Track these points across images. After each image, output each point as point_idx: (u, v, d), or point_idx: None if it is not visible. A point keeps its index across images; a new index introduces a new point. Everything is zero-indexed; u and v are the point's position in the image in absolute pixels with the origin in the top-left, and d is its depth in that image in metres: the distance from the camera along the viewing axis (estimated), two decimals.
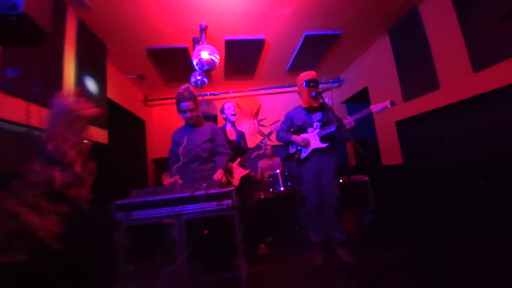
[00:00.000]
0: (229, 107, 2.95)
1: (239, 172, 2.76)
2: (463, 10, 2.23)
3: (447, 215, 2.52)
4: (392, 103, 2.07)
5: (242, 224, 2.70)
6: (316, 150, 2.34)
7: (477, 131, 2.26)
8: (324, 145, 2.31)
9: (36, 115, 1.71)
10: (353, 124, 2.13)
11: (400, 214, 3.17)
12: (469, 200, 2.31)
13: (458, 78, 2.35)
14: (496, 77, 2.02)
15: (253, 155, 2.93)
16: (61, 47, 2.09)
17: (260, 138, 4.72)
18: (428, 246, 2.28)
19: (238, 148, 2.89)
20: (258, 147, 2.89)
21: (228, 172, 2.69)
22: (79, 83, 2.29)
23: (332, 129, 2.24)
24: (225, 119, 3.02)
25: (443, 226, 2.51)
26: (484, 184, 2.21)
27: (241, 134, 3.04)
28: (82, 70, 2.34)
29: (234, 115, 2.94)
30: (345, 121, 2.13)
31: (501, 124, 2.05)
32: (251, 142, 4.23)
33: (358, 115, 2.17)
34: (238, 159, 2.80)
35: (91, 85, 2.50)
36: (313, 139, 2.35)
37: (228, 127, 2.97)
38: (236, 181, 2.70)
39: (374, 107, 2.14)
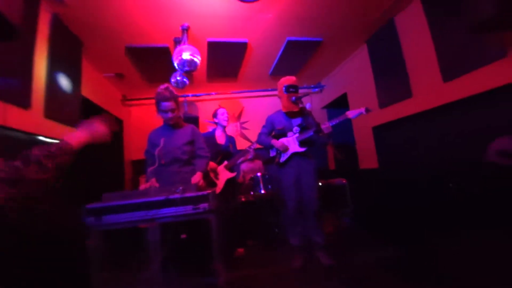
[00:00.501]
0: (223, 113, 3.05)
1: (225, 175, 2.78)
2: (435, 23, 2.36)
3: (421, 217, 2.64)
4: (367, 110, 2.15)
5: (225, 227, 2.70)
6: (295, 154, 2.37)
7: (447, 137, 2.39)
8: (303, 149, 2.35)
9: (0, 112, 1.60)
10: (331, 129, 2.19)
11: (377, 217, 3.28)
12: (441, 203, 2.43)
13: (429, 87, 2.49)
14: (464, 87, 2.15)
15: (239, 160, 2.95)
16: (32, 42, 1.98)
17: (242, 140, 4.74)
18: (405, 248, 2.36)
19: (227, 152, 2.92)
20: (246, 151, 2.93)
21: (214, 173, 2.69)
22: (51, 79, 2.18)
23: (311, 134, 2.28)
24: (216, 123, 3.08)
25: (418, 229, 2.62)
26: (452, 187, 2.33)
27: (230, 139, 3.11)
28: (54, 66, 2.22)
29: (226, 120, 3.05)
30: (323, 126, 2.18)
31: (469, 131, 2.18)
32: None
33: (334, 121, 2.23)
34: (225, 162, 2.82)
35: (64, 82, 2.38)
36: (292, 143, 2.38)
37: (218, 132, 3.04)
38: (221, 183, 2.72)
39: (350, 113, 2.21)
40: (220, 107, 3.15)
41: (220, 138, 3.01)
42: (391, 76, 2.97)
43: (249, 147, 2.93)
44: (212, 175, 2.70)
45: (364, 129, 3.58)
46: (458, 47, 2.17)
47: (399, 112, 2.89)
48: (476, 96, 2.07)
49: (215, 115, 3.09)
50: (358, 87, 3.72)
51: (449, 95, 2.29)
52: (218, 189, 2.67)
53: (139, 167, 4.21)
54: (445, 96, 2.33)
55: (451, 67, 2.25)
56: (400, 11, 2.73)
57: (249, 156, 3.03)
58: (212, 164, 2.72)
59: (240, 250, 2.75)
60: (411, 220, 2.76)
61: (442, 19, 2.29)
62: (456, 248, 2.13)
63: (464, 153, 2.23)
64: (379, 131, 3.33)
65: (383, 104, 3.13)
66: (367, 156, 3.58)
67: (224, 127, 3.07)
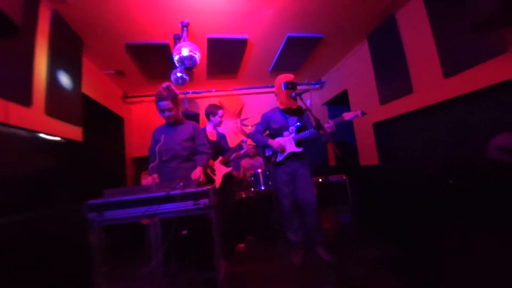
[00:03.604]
0: (220, 114, 2.96)
1: (221, 170, 2.80)
2: (436, 19, 2.35)
3: (422, 213, 2.65)
4: (363, 113, 2.17)
5: (222, 222, 2.73)
6: (291, 154, 2.38)
7: (448, 133, 2.39)
8: (299, 149, 2.36)
9: (2, 110, 1.61)
10: (334, 128, 2.18)
11: (377, 213, 3.29)
12: (441, 199, 2.43)
13: (430, 83, 2.48)
14: (465, 83, 2.15)
15: (233, 155, 2.97)
16: (32, 39, 1.98)
17: (243, 137, 4.74)
18: (404, 245, 2.37)
19: (219, 147, 2.92)
20: (239, 147, 2.94)
21: (211, 169, 2.71)
22: (52, 77, 2.18)
23: (307, 134, 2.30)
24: (208, 119, 3.01)
25: (418, 225, 2.63)
26: (452, 183, 2.34)
27: (221, 136, 3.09)
28: (55, 63, 2.23)
29: (221, 116, 2.96)
30: (326, 125, 2.17)
31: (470, 127, 2.18)
32: (234, 141, 4.24)
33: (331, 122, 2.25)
34: (220, 158, 2.84)
35: (65, 79, 2.39)
36: (288, 143, 2.40)
37: (209, 128, 2.98)
38: (218, 178, 2.74)
39: (346, 115, 2.22)
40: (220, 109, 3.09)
41: (211, 135, 2.98)
42: (392, 72, 2.96)
43: (242, 141, 2.96)
44: (209, 171, 2.72)
45: (365, 125, 3.57)
46: (459, 43, 2.16)
47: (399, 108, 2.88)
48: (477, 92, 2.06)
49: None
50: (358, 83, 3.71)
51: (450, 91, 2.29)
52: (217, 184, 2.70)
53: (141, 164, 4.23)
54: (446, 92, 2.32)
55: (452, 63, 2.24)
56: (401, 6, 2.71)
57: (242, 151, 3.07)
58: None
59: (241, 245, 2.77)
60: (411, 216, 2.77)
61: (443, 15, 2.28)
62: (456, 245, 2.13)
63: (465, 149, 2.24)
64: (379, 127, 3.33)
65: (383, 100, 3.12)
66: (368, 152, 3.59)
67: (214, 124, 3.01)
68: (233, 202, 3.10)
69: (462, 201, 2.23)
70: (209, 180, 2.67)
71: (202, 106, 4.77)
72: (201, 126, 2.45)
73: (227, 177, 2.83)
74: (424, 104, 2.55)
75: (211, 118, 2.98)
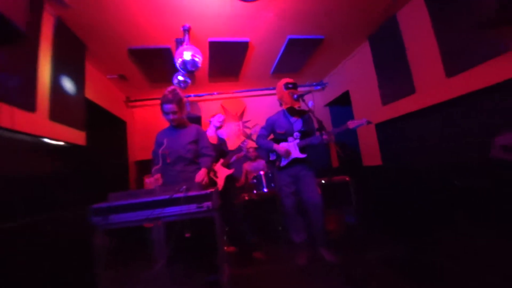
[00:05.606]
0: (219, 117, 3.11)
1: (223, 172, 2.82)
2: (437, 18, 2.35)
3: (426, 214, 2.63)
4: (368, 122, 2.18)
5: (226, 225, 2.72)
6: (295, 159, 2.38)
7: (451, 133, 2.38)
8: (304, 155, 2.35)
9: (7, 115, 1.63)
10: (333, 138, 2.17)
11: (381, 214, 3.27)
12: (445, 199, 2.42)
13: (432, 83, 2.47)
14: (467, 83, 2.14)
15: (233, 158, 3.01)
16: (36, 45, 2.00)
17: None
18: (409, 245, 2.35)
19: (221, 150, 2.96)
20: (239, 149, 2.98)
21: (213, 172, 2.73)
22: (55, 82, 2.21)
23: (311, 141, 2.30)
24: (209, 122, 3.16)
25: (422, 225, 2.61)
26: (458, 184, 2.32)
27: (222, 140, 3.18)
28: (58, 69, 2.25)
29: (220, 122, 3.11)
30: (324, 137, 2.15)
31: (474, 126, 2.17)
32: (236, 144, 4.23)
33: (335, 130, 2.28)
34: (221, 160, 2.87)
35: (68, 84, 2.41)
36: (293, 148, 2.39)
37: (210, 132, 3.08)
38: (221, 180, 2.77)
39: (350, 124, 2.22)
40: (218, 114, 3.19)
41: (212, 139, 3.04)
42: (393, 72, 2.95)
43: (242, 143, 3.02)
44: (211, 174, 2.74)
45: (367, 126, 3.55)
46: (461, 42, 2.15)
47: (402, 109, 2.87)
48: (480, 91, 2.05)
49: (212, 117, 3.15)
50: (360, 84, 3.71)
51: (452, 90, 2.28)
52: (219, 187, 2.72)
53: (143, 167, 4.25)
54: (448, 92, 2.31)
55: (454, 62, 2.24)
56: (402, 6, 2.71)
57: (243, 153, 3.16)
58: None
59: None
60: (415, 217, 2.75)
61: (445, 14, 2.28)
62: (461, 246, 2.12)
63: (468, 148, 2.22)
64: (382, 128, 3.32)
65: (385, 100, 3.12)
66: (371, 153, 3.57)
67: (216, 128, 3.11)
68: (237, 203, 3.11)
69: (467, 202, 2.21)
70: (212, 182, 2.68)
71: (204, 109, 4.79)
72: (203, 128, 2.47)
73: (229, 179, 2.85)
74: (427, 104, 2.54)
75: (211, 121, 3.12)
